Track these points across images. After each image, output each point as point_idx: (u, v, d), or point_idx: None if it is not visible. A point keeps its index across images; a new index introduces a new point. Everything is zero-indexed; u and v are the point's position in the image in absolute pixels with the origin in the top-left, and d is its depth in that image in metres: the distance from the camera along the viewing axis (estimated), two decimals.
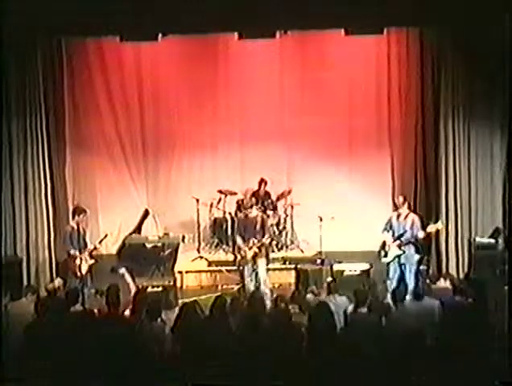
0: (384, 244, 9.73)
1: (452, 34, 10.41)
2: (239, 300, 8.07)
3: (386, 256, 9.70)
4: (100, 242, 10.26)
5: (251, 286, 9.86)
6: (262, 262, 10.00)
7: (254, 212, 10.24)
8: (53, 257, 10.82)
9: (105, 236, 10.71)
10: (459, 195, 10.72)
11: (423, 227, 9.63)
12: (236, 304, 7.64)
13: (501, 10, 9.27)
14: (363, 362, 5.83)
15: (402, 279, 9.53)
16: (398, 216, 9.72)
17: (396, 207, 9.77)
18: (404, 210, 9.77)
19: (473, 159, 10.74)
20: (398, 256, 9.62)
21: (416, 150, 11.65)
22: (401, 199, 9.91)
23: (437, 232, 10.78)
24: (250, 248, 9.93)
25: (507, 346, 6.10)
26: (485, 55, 10.25)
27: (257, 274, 9.94)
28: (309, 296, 8.76)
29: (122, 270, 9.58)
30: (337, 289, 8.26)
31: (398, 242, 9.57)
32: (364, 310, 7.32)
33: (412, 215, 9.74)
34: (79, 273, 9.66)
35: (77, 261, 9.67)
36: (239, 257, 10.18)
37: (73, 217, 9.94)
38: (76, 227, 9.81)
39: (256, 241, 9.94)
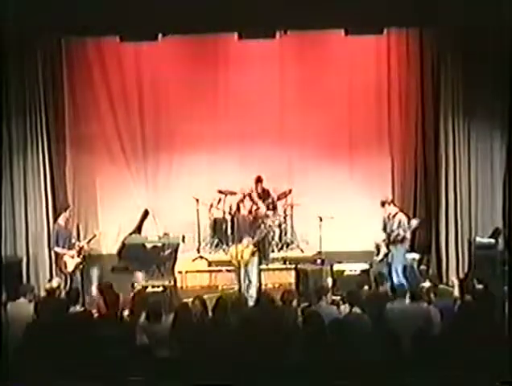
0: (378, 243, 9.85)
1: (452, 34, 10.42)
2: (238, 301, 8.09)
3: (378, 254, 9.82)
4: (88, 242, 10.36)
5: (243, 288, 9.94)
6: (253, 262, 10.07)
7: (242, 212, 10.32)
8: (53, 257, 10.82)
9: (94, 236, 10.83)
10: (459, 195, 10.74)
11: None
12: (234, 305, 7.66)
13: (501, 10, 9.27)
14: (362, 362, 5.84)
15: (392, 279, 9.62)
16: (388, 216, 9.79)
17: (383, 205, 9.82)
18: (393, 210, 9.83)
19: (473, 159, 10.76)
20: (386, 255, 9.71)
21: (416, 150, 11.67)
22: (389, 197, 9.99)
23: (437, 232, 10.85)
24: (247, 247, 9.97)
25: (507, 346, 6.10)
26: (484, 55, 10.26)
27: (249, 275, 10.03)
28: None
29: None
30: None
31: (386, 241, 9.68)
32: (358, 310, 7.34)
33: (400, 215, 9.83)
34: (65, 270, 9.76)
35: (64, 259, 9.81)
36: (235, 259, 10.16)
37: (59, 215, 10.12)
38: (63, 224, 9.95)
39: (251, 240, 10.01)
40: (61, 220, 10.03)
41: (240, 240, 10.10)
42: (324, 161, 12.37)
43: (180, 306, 7.45)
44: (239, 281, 10.05)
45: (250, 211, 11.82)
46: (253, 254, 10.03)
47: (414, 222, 9.73)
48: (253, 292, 9.73)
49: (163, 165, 12.76)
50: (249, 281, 9.99)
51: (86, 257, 10.16)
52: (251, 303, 8.31)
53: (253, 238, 10.16)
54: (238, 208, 12.06)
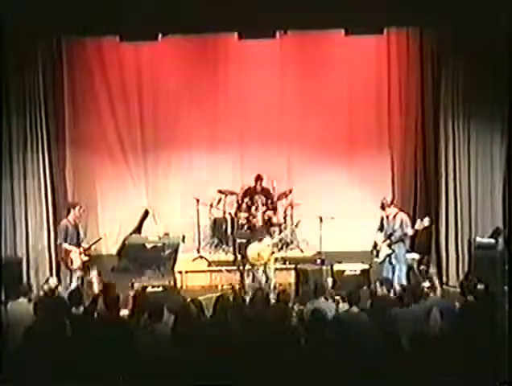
0: (376, 244, 9.83)
1: (452, 34, 10.42)
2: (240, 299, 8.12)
3: (377, 256, 9.80)
4: (92, 244, 10.41)
5: (263, 285, 9.95)
6: (272, 261, 10.19)
7: (259, 215, 10.40)
8: (53, 257, 10.82)
9: (99, 239, 10.90)
10: (459, 195, 10.74)
11: (413, 226, 9.72)
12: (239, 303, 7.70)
13: (501, 9, 9.26)
14: (362, 362, 5.84)
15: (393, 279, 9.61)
16: (388, 216, 9.80)
17: (383, 208, 9.85)
18: (393, 210, 9.85)
19: (473, 159, 10.75)
20: (389, 256, 9.70)
21: (416, 150, 11.67)
22: (389, 199, 10.01)
23: (437, 232, 10.84)
24: (267, 247, 10.07)
25: (507, 346, 6.10)
26: (484, 55, 10.26)
27: (266, 274, 10.13)
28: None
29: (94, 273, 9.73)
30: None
31: (388, 242, 9.67)
32: (356, 309, 7.35)
33: (401, 214, 9.85)
34: (70, 266, 9.84)
35: (71, 256, 9.85)
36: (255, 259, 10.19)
37: (68, 212, 10.09)
38: (73, 222, 10.00)
39: (270, 240, 10.17)
40: (71, 217, 10.04)
41: (260, 240, 10.14)
42: (324, 161, 12.37)
43: (181, 307, 7.45)
44: (254, 281, 10.13)
45: (250, 211, 11.85)
46: (272, 254, 10.17)
47: (426, 221, 9.73)
48: (271, 289, 9.86)
49: (162, 165, 12.76)
50: (267, 280, 10.06)
51: (90, 257, 10.20)
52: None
53: (272, 238, 10.32)
54: (239, 207, 12.08)
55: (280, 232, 11.49)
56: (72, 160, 12.15)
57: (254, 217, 11.54)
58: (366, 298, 7.92)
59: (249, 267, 10.21)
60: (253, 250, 10.10)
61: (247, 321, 7.10)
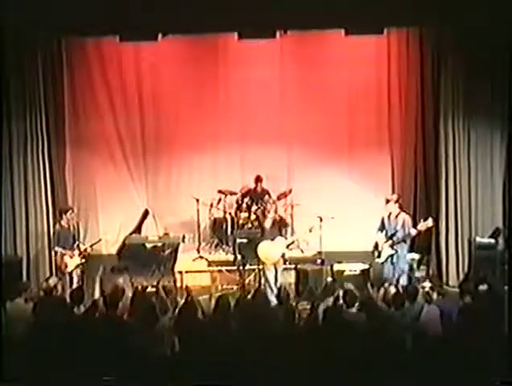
0: (377, 244, 9.83)
1: (452, 34, 10.43)
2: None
3: (379, 256, 9.79)
4: (92, 245, 10.45)
5: (273, 287, 9.97)
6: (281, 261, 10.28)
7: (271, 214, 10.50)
8: (53, 257, 10.83)
9: (99, 240, 10.97)
10: (459, 195, 10.75)
11: (415, 226, 9.71)
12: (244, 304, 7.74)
13: (502, 10, 9.27)
14: (363, 362, 5.84)
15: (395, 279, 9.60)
16: (389, 216, 9.79)
17: (388, 202, 9.86)
18: (395, 209, 9.84)
19: (473, 159, 10.76)
20: (391, 256, 9.69)
21: (416, 150, 11.68)
22: (395, 196, 10.02)
23: (437, 232, 10.84)
24: (279, 247, 10.13)
25: (507, 346, 6.10)
26: (484, 55, 10.27)
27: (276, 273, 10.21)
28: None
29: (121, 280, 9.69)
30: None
31: (390, 242, 9.66)
32: (354, 310, 7.36)
33: (403, 215, 9.85)
34: (64, 270, 9.91)
35: (64, 259, 9.93)
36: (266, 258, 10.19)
37: (61, 217, 10.18)
38: (66, 226, 10.07)
39: (283, 240, 10.23)
40: (63, 222, 10.09)
41: (273, 239, 10.18)
42: (324, 161, 12.37)
43: (184, 305, 7.47)
44: (264, 280, 10.16)
45: (250, 211, 11.86)
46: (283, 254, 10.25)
47: (429, 221, 9.72)
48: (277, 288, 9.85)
49: (162, 164, 12.75)
50: (276, 280, 10.12)
51: (87, 257, 10.21)
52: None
53: (286, 239, 10.42)
54: (239, 207, 12.08)
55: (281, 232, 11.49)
56: (72, 160, 12.14)
57: (258, 217, 11.54)
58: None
59: (260, 266, 10.28)
60: (263, 249, 10.14)
61: (249, 320, 7.10)
